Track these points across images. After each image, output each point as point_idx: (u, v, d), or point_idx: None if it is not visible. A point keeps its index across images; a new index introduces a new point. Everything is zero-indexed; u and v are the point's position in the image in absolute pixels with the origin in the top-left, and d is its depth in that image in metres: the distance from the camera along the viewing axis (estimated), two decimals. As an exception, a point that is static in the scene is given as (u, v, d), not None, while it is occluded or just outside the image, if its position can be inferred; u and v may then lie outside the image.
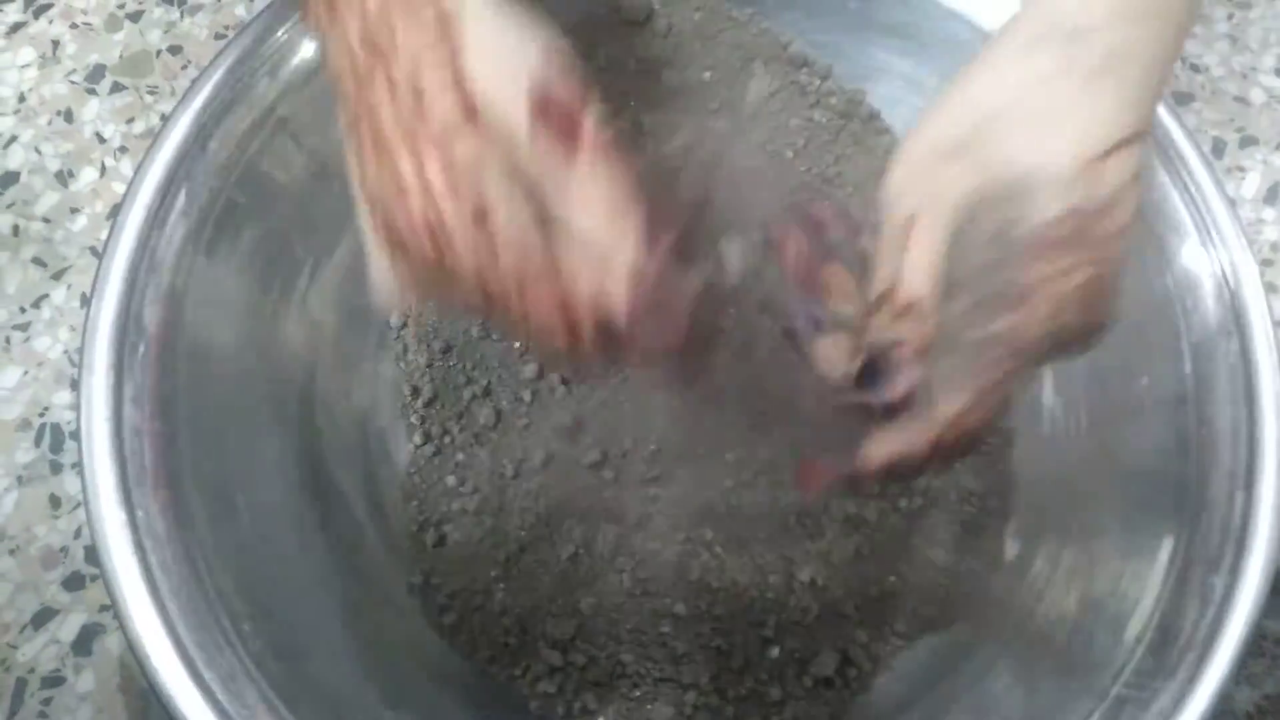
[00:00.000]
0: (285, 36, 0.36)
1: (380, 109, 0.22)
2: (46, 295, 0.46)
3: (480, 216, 0.22)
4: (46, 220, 0.48)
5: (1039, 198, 0.22)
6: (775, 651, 0.36)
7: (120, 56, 0.51)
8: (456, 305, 0.24)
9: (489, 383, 0.41)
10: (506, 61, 0.22)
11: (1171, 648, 0.31)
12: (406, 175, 0.22)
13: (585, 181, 0.23)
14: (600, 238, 0.23)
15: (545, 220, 0.22)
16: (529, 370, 0.41)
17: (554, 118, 0.23)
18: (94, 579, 0.42)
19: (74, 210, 0.48)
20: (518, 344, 0.37)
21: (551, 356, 0.26)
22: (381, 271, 0.24)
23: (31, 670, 0.41)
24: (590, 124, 0.23)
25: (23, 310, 0.46)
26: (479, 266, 0.22)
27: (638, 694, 0.36)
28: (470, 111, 0.22)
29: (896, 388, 0.24)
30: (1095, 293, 0.23)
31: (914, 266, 0.24)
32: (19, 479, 0.44)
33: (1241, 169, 0.50)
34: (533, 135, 0.22)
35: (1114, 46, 0.22)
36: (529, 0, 0.25)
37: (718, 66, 0.43)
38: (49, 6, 0.52)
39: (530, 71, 0.23)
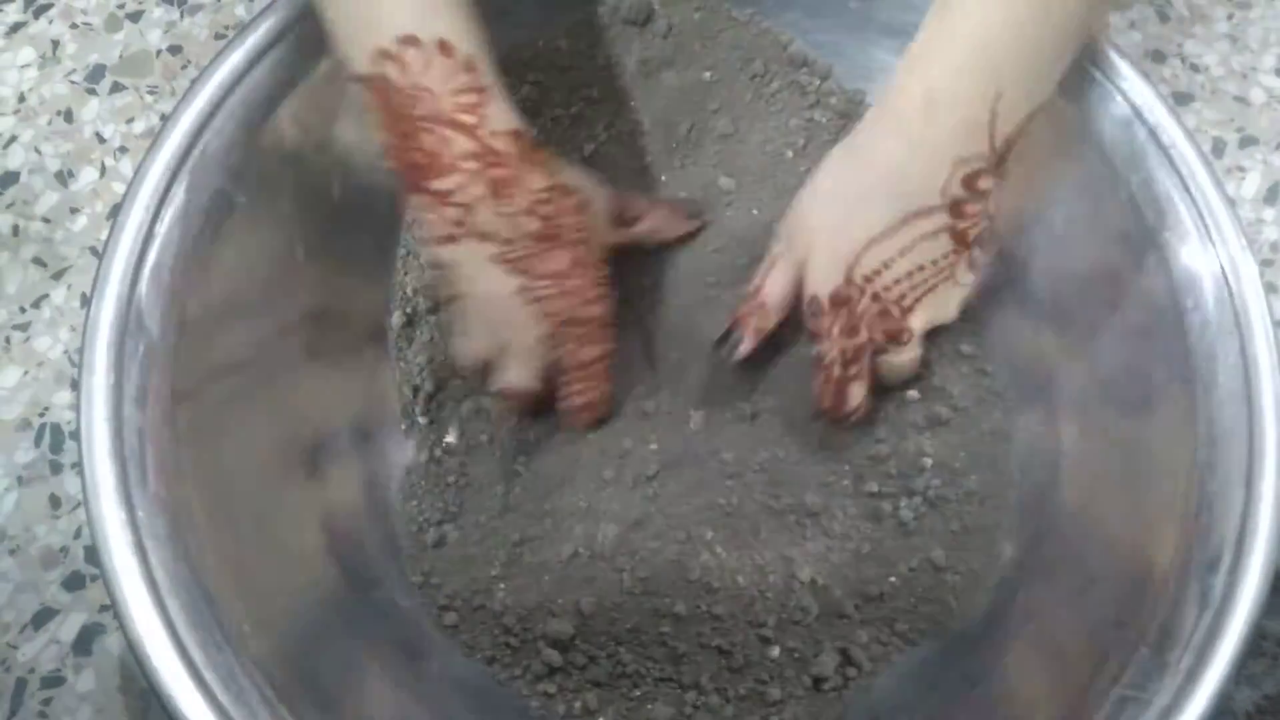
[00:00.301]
0: (285, 37, 0.36)
1: (562, 269, 0.34)
2: (46, 295, 0.47)
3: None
4: (46, 220, 0.48)
5: (823, 294, 0.36)
6: (775, 651, 0.36)
7: (120, 56, 0.51)
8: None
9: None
10: (601, 222, 0.37)
11: (1172, 647, 0.31)
12: (590, 310, 0.36)
13: (651, 222, 0.40)
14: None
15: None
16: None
17: (624, 220, 0.39)
18: (94, 579, 0.42)
19: (74, 210, 0.48)
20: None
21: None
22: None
23: (31, 670, 0.41)
24: (638, 205, 0.40)
25: (23, 310, 0.46)
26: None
27: (638, 694, 0.36)
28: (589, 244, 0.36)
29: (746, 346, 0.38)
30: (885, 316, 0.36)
31: (771, 283, 0.37)
32: (19, 479, 0.44)
33: (1241, 169, 0.50)
34: (616, 232, 0.38)
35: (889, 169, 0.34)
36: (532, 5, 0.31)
37: (718, 66, 0.43)
38: (49, 6, 0.52)
39: (609, 215, 0.38)
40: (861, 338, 0.36)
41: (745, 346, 0.37)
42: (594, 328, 0.36)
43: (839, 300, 0.35)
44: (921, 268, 0.34)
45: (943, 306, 0.36)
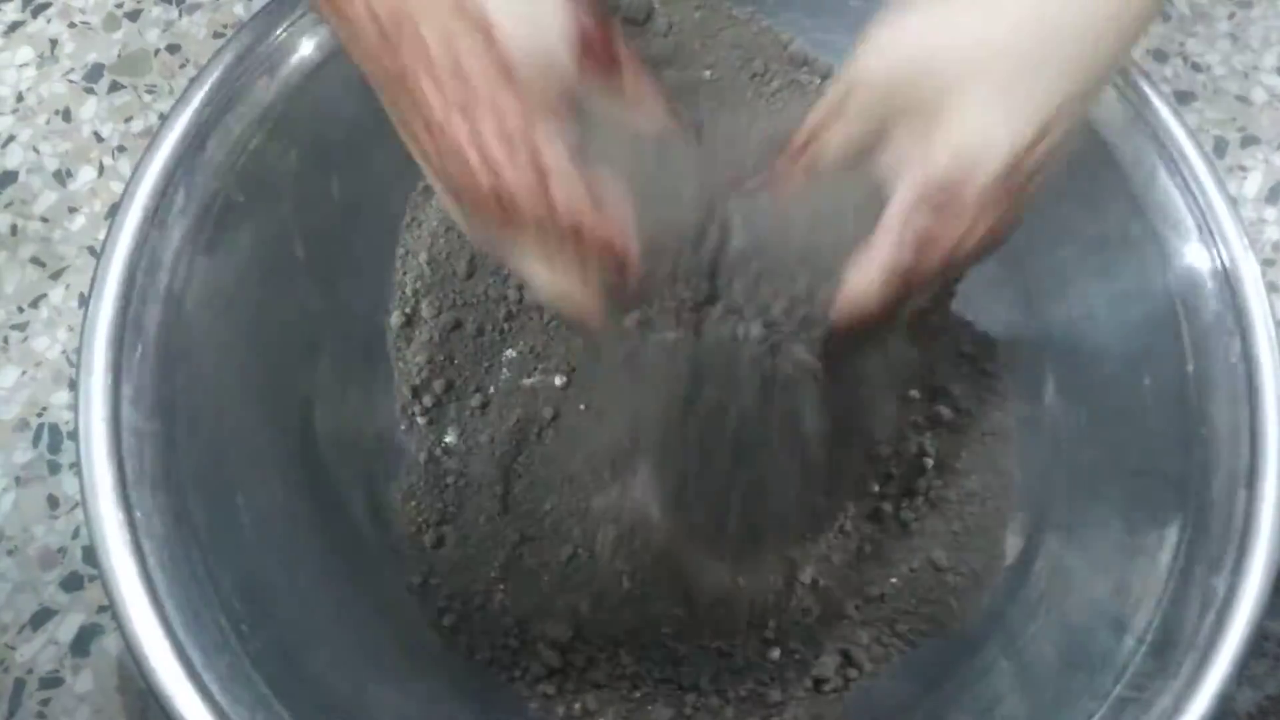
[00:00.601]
0: (284, 34, 0.36)
1: (421, 85, 0.23)
2: (45, 295, 0.46)
3: (540, 173, 0.23)
4: (45, 220, 0.48)
5: (974, 174, 0.23)
6: (776, 653, 0.36)
7: (118, 55, 0.51)
8: (521, 250, 0.25)
9: (489, 383, 0.41)
10: (535, 13, 0.24)
11: (1173, 648, 0.31)
12: (463, 148, 0.23)
13: (636, 92, 0.26)
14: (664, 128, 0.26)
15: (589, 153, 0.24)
16: (530, 372, 0.41)
17: (596, 53, 0.25)
18: (92, 579, 0.42)
19: (72, 210, 0.48)
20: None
21: (587, 309, 0.26)
22: (465, 227, 0.26)
23: (30, 671, 0.41)
24: (623, 46, 0.26)
25: (21, 310, 0.46)
26: (541, 218, 0.24)
27: (638, 695, 0.36)
28: (507, 72, 0.23)
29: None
30: (1011, 219, 0.25)
31: (839, 131, 0.25)
32: (17, 479, 0.43)
33: (1243, 168, 0.50)
34: (582, 74, 0.24)
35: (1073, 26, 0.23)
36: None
37: (718, 65, 0.43)
38: (47, 5, 0.52)
39: (562, 16, 0.24)
40: (983, 240, 0.25)
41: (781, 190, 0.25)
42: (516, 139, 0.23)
43: (1006, 178, 0.24)
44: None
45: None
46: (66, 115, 0.50)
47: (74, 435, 0.31)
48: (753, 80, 0.43)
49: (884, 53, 0.25)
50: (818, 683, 0.36)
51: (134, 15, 0.52)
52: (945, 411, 0.39)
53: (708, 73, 0.43)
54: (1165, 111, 0.36)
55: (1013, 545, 0.38)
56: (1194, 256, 0.35)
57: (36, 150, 0.49)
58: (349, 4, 0.23)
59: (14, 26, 0.51)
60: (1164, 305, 0.35)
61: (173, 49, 0.51)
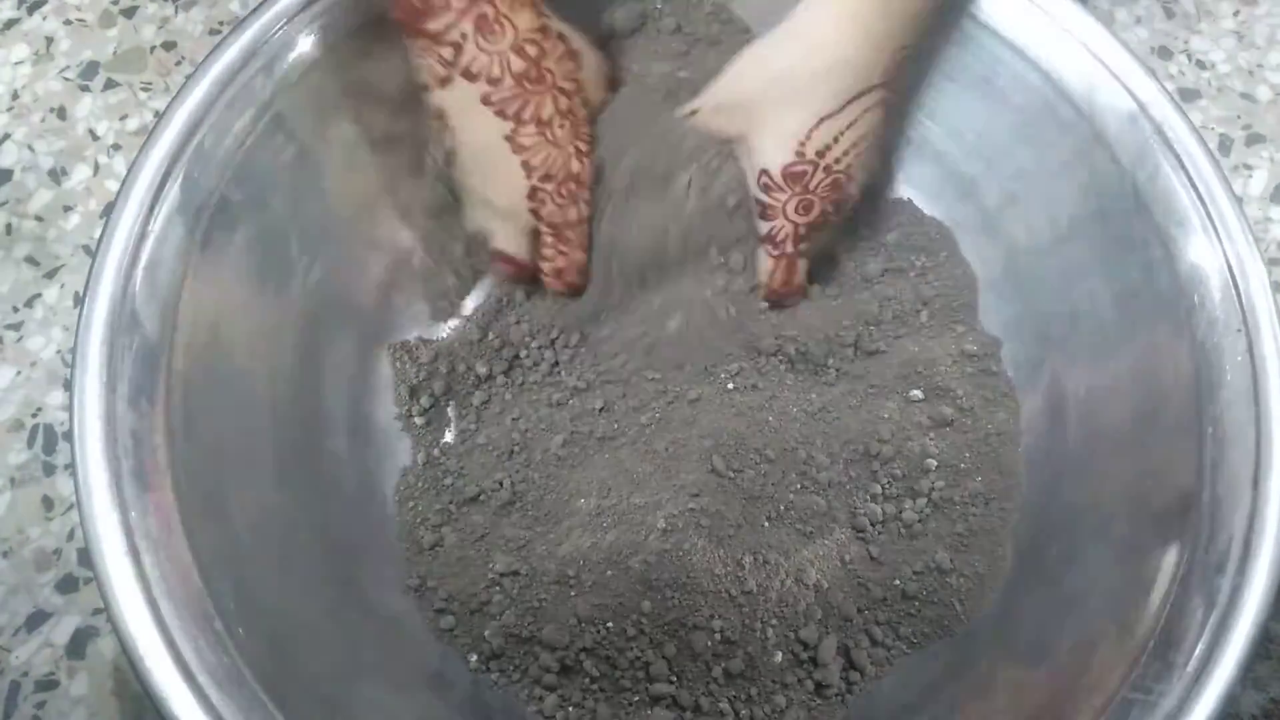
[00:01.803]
0: (280, 32, 0.36)
1: (546, 115, 0.35)
2: (39, 294, 0.46)
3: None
4: (39, 219, 0.47)
5: (770, 163, 0.37)
6: (778, 656, 0.36)
7: (114, 53, 0.51)
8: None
9: (488, 384, 0.40)
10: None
11: (1178, 651, 0.31)
12: (573, 165, 0.37)
13: None
14: None
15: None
16: (530, 373, 0.40)
17: (616, 82, 0.40)
18: (87, 581, 0.42)
19: (67, 208, 0.48)
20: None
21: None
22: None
23: (25, 674, 0.40)
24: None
25: (15, 310, 0.46)
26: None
27: (637, 698, 0.36)
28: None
29: None
30: (831, 197, 0.38)
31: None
32: (12, 480, 0.43)
33: (1248, 166, 0.50)
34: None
35: (832, 61, 0.35)
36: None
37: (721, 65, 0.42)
38: (43, 3, 0.51)
39: (604, 63, 0.40)
40: (815, 212, 0.38)
41: None
42: (574, 186, 0.37)
43: (793, 177, 0.37)
44: (864, 137, 0.37)
45: (874, 167, 0.39)
46: (61, 113, 0.49)
47: (69, 436, 0.31)
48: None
49: (717, 99, 0.38)
50: (820, 686, 0.36)
51: (130, 12, 0.51)
52: (950, 412, 0.39)
53: (710, 67, 0.42)
54: (1170, 108, 0.36)
55: (1017, 548, 0.38)
56: (1199, 255, 0.35)
57: (31, 149, 0.49)
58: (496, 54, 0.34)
59: (9, 24, 0.51)
60: (1169, 304, 0.35)
61: (168, 46, 0.51)
